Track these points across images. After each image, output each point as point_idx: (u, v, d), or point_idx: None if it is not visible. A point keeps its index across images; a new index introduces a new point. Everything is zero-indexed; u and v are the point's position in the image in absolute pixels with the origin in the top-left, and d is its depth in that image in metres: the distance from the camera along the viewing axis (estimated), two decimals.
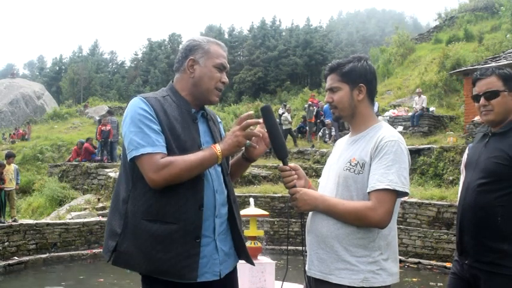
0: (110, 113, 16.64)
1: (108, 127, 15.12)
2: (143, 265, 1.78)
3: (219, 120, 2.12)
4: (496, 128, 2.27)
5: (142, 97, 1.85)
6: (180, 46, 2.05)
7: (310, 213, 1.95)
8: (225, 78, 1.95)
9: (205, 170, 1.82)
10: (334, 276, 1.82)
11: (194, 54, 1.90)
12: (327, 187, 1.94)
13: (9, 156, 10.60)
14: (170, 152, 1.77)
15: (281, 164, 1.91)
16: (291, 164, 1.93)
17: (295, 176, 1.91)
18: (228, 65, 1.98)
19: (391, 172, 1.75)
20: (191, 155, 1.76)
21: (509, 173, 2.12)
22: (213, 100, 1.94)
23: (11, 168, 10.24)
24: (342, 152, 1.96)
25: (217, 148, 1.78)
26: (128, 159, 1.79)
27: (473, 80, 2.36)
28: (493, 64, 12.76)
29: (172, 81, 1.99)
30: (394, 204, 1.79)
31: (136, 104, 1.82)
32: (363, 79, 1.91)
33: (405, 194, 1.80)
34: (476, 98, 2.32)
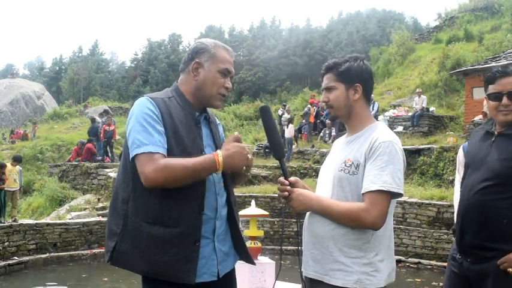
0: (107, 112, 16.62)
1: (112, 127, 15.10)
2: (141, 266, 1.78)
3: (218, 122, 2.13)
4: (503, 128, 2.19)
5: (149, 97, 1.84)
6: (188, 47, 2.05)
7: (308, 213, 1.95)
8: (229, 84, 1.93)
9: (201, 178, 1.79)
10: (328, 276, 1.83)
11: (200, 57, 1.90)
12: (324, 188, 1.94)
13: (15, 160, 10.67)
14: (172, 154, 1.76)
15: (279, 164, 1.91)
16: (292, 178, 1.90)
17: (286, 194, 1.87)
18: (234, 70, 1.97)
19: (385, 173, 1.75)
20: (190, 162, 1.72)
21: None
22: (216, 105, 1.94)
23: (15, 169, 10.28)
24: (338, 152, 1.96)
25: (219, 159, 1.74)
26: (130, 157, 1.77)
27: (492, 77, 2.24)
28: (493, 64, 12.77)
29: (177, 81, 1.98)
30: (388, 205, 1.78)
31: (143, 104, 1.81)
32: (359, 79, 1.91)
33: (399, 195, 1.80)
34: (495, 96, 2.21)
